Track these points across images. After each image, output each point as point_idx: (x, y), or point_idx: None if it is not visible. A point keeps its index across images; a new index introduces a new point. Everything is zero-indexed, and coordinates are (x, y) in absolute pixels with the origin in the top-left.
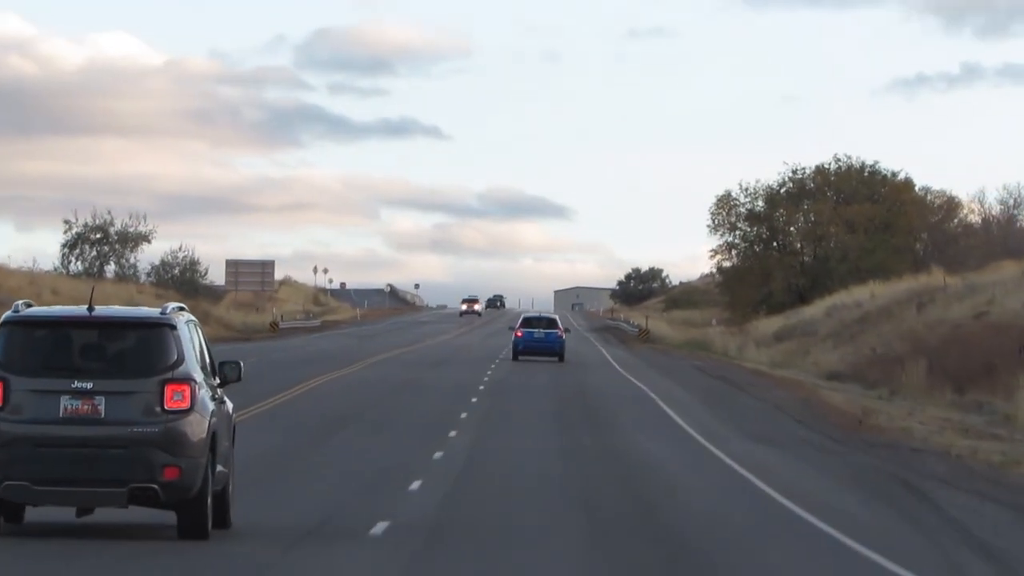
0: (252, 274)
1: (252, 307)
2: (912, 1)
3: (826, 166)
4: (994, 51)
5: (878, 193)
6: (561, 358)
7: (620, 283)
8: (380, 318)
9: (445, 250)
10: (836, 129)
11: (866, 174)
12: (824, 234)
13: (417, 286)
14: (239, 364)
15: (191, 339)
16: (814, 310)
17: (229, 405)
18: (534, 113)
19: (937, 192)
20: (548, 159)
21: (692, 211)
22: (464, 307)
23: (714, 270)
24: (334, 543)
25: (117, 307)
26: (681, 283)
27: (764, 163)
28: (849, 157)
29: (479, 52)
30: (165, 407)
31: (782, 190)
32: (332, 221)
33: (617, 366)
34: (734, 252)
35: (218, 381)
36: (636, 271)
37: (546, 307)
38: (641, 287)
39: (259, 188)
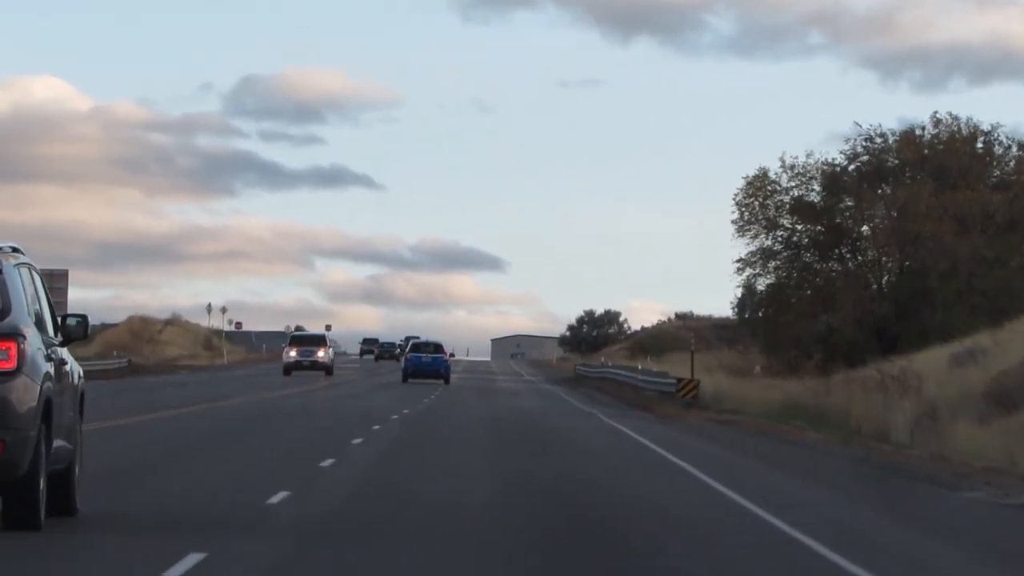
0: None
1: (124, 348)
2: (848, 55)
3: (918, 132)
4: (930, 105)
5: (1000, 173)
6: (447, 381)
7: (571, 327)
8: (262, 362)
9: (379, 301)
10: None
11: (980, 146)
12: (919, 234)
13: (328, 327)
14: (86, 318)
15: (22, 286)
16: None
17: (75, 368)
18: (466, 163)
19: None
20: (481, 210)
21: (629, 264)
22: (292, 354)
23: (741, 288)
24: None
25: None
26: (643, 328)
27: (701, 214)
28: (956, 119)
29: (408, 101)
30: None
31: (850, 167)
32: (265, 271)
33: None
34: (773, 264)
35: (60, 339)
36: (590, 314)
37: (483, 356)
38: (595, 333)
39: (192, 237)
